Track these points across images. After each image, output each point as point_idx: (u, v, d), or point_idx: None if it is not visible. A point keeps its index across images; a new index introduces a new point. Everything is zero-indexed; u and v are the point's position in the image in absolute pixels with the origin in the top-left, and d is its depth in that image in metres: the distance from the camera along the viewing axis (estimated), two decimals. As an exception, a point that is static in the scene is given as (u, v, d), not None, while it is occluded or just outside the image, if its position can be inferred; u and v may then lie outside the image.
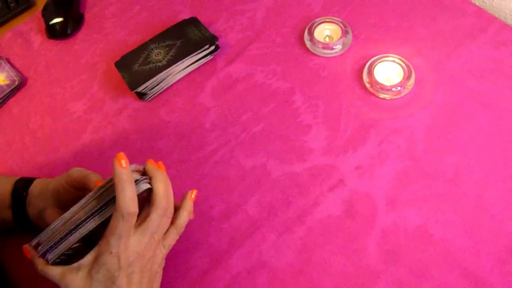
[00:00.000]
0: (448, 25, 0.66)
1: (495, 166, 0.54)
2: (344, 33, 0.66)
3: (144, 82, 0.67)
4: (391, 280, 0.49)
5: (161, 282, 0.47)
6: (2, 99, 0.74)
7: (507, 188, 0.52)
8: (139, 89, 0.67)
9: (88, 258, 0.41)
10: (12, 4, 0.87)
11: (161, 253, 0.45)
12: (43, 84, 0.76)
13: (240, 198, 0.57)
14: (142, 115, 0.68)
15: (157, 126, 0.67)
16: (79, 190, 0.50)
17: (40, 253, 0.42)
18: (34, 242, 0.43)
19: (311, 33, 0.67)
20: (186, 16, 0.74)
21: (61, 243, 0.42)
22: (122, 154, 0.41)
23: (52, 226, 0.43)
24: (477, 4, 0.70)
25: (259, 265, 0.52)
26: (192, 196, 0.49)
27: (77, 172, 0.50)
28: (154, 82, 0.67)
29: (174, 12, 0.79)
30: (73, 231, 0.42)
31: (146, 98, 0.69)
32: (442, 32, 0.66)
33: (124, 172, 0.40)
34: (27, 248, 0.43)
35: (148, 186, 0.43)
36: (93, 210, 0.42)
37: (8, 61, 0.79)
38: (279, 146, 0.60)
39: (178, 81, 0.70)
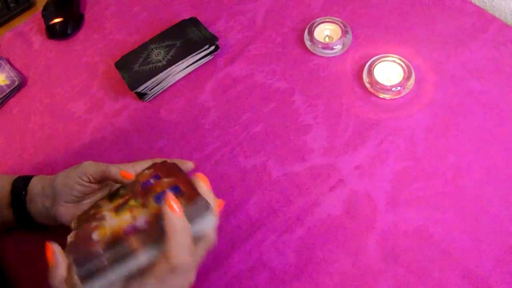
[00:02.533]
0: (448, 25, 0.66)
1: (495, 166, 0.54)
2: (344, 33, 0.66)
3: (144, 82, 0.67)
4: (391, 280, 0.49)
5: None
6: (2, 99, 0.74)
7: (507, 188, 0.52)
8: (139, 89, 0.67)
9: None
10: (12, 4, 0.87)
11: (194, 276, 0.40)
12: (43, 84, 0.76)
13: (240, 198, 0.57)
14: (142, 115, 0.68)
15: (157, 126, 0.67)
16: (96, 183, 0.49)
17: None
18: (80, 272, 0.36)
19: (311, 33, 0.67)
20: (186, 16, 0.75)
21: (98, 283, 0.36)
22: (171, 196, 0.37)
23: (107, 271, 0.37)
24: (477, 4, 0.70)
25: (259, 265, 0.52)
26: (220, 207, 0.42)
27: (92, 168, 0.47)
28: (154, 82, 0.67)
29: (174, 12, 0.79)
30: (115, 273, 0.37)
31: (146, 98, 0.69)
32: (442, 32, 0.66)
33: (178, 219, 0.36)
34: (53, 249, 0.37)
35: (211, 226, 0.38)
36: (143, 249, 0.37)
37: (8, 61, 0.79)
38: (279, 146, 0.60)
39: (178, 81, 0.70)
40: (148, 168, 0.48)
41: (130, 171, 0.49)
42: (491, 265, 0.48)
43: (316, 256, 0.52)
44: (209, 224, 0.39)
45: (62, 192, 0.49)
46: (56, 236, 0.56)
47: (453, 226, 0.51)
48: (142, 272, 0.37)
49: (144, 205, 0.41)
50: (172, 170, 0.45)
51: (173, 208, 0.36)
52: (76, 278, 0.36)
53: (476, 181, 0.53)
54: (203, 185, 0.40)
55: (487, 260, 0.48)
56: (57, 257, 0.37)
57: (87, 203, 0.51)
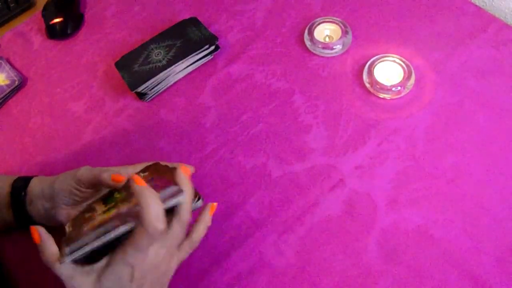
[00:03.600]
0: (448, 25, 0.66)
1: (495, 166, 0.54)
2: (344, 33, 0.66)
3: (144, 82, 0.67)
4: (391, 280, 0.49)
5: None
6: (2, 99, 0.74)
7: (507, 188, 0.52)
8: (139, 89, 0.67)
9: (101, 264, 0.40)
10: (12, 4, 0.87)
11: (175, 266, 0.44)
12: (43, 84, 0.76)
13: (240, 198, 0.57)
14: (142, 115, 0.68)
15: (157, 126, 0.67)
16: (92, 188, 0.50)
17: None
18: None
19: (311, 33, 0.67)
20: (186, 16, 0.75)
21: (85, 247, 0.40)
22: (137, 176, 0.41)
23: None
24: (477, 4, 0.70)
25: (259, 265, 0.52)
26: (213, 209, 0.46)
27: (85, 173, 0.48)
28: (154, 82, 0.67)
29: (174, 12, 0.79)
30: (101, 237, 0.40)
31: (146, 98, 0.69)
32: (442, 32, 0.66)
33: (144, 188, 0.39)
34: (38, 230, 0.41)
35: (178, 201, 0.41)
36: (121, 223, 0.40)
37: (8, 61, 0.79)
38: (279, 146, 0.60)
39: (178, 81, 0.70)
40: (143, 171, 0.49)
41: (129, 171, 0.50)
42: (491, 265, 0.48)
43: (316, 256, 0.52)
44: (179, 199, 0.41)
45: (61, 195, 0.50)
46: (57, 231, 0.56)
47: (453, 226, 0.51)
48: (124, 244, 0.39)
49: (128, 198, 0.43)
50: (166, 171, 0.46)
51: (140, 181, 0.40)
52: (64, 250, 0.39)
53: (476, 181, 0.53)
54: (180, 173, 0.43)
55: (487, 260, 0.48)
56: (42, 234, 0.40)
57: (86, 205, 0.51)
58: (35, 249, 0.59)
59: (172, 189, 0.41)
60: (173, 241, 0.42)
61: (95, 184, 0.48)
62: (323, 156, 0.58)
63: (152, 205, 0.39)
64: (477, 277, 0.48)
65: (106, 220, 0.41)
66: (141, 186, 0.39)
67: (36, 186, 0.53)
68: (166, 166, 0.48)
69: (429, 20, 0.68)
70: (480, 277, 0.47)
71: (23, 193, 0.53)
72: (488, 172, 0.54)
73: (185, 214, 0.42)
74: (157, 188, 0.41)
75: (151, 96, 0.69)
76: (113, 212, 0.42)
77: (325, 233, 0.53)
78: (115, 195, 0.46)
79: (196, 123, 0.65)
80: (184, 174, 0.43)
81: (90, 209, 0.47)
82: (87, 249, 0.40)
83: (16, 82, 0.75)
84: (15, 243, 0.59)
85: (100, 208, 0.46)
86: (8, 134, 0.71)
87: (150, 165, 0.50)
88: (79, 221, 0.47)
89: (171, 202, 0.41)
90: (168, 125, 0.66)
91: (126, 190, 0.44)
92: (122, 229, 0.40)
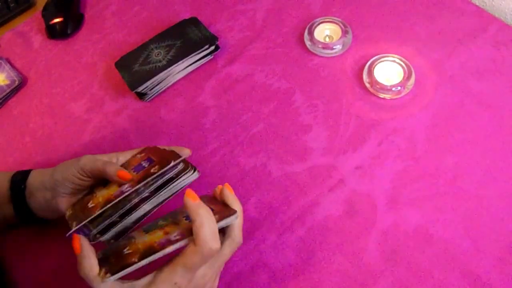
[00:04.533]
0: (448, 25, 0.66)
1: (495, 166, 0.54)
2: (344, 33, 0.66)
3: (144, 82, 0.67)
4: (391, 280, 0.49)
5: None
6: (2, 99, 0.74)
7: (507, 188, 0.52)
8: (139, 89, 0.67)
9: (144, 281, 0.38)
10: (12, 4, 0.87)
11: (217, 283, 0.43)
12: (43, 84, 0.76)
13: (240, 198, 0.56)
14: (142, 115, 0.68)
15: (157, 126, 0.67)
16: (95, 178, 0.49)
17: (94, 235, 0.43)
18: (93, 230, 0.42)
19: (311, 33, 0.67)
20: (186, 16, 0.75)
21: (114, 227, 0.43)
22: (190, 190, 0.39)
23: (114, 248, 0.41)
24: (477, 4, 0.70)
25: (259, 265, 0.52)
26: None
27: (89, 164, 0.48)
28: (154, 82, 0.67)
29: (174, 12, 0.79)
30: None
31: (146, 98, 0.69)
32: (442, 32, 0.66)
33: (200, 206, 0.38)
34: (80, 240, 0.39)
35: (233, 220, 0.41)
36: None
37: (8, 61, 0.79)
38: (279, 146, 0.60)
39: (178, 81, 0.70)
40: (139, 153, 0.50)
41: (127, 156, 0.51)
42: (491, 265, 0.48)
43: (316, 256, 0.52)
44: (233, 216, 0.41)
45: (62, 184, 0.49)
46: (57, 231, 0.56)
47: (453, 226, 0.51)
48: (171, 259, 0.38)
49: (175, 223, 0.42)
50: (164, 153, 0.48)
51: (194, 197, 0.38)
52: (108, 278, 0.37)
53: (476, 181, 0.53)
54: (228, 192, 0.43)
55: (487, 260, 0.48)
56: (83, 245, 0.38)
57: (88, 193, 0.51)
58: (35, 249, 0.59)
59: (226, 214, 0.40)
60: (222, 262, 0.41)
61: (98, 175, 0.49)
62: (323, 156, 0.58)
63: (208, 223, 0.37)
64: (477, 277, 0.48)
65: (152, 244, 0.40)
66: (196, 202, 0.38)
67: (35, 178, 0.53)
68: (164, 149, 0.49)
69: (429, 20, 0.68)
70: (480, 277, 0.47)
71: (22, 186, 0.53)
72: (488, 172, 0.54)
73: (237, 236, 0.41)
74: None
75: (151, 96, 0.69)
76: (160, 234, 0.41)
77: (325, 233, 0.53)
78: (159, 222, 0.44)
79: (196, 123, 0.65)
80: (230, 192, 0.43)
81: (91, 194, 0.49)
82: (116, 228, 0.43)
83: (16, 82, 0.75)
84: (15, 243, 0.59)
85: (100, 192, 0.48)
86: (8, 134, 0.71)
87: (146, 148, 0.51)
88: (79, 206, 0.48)
89: (224, 222, 0.40)
90: (168, 125, 0.66)
91: (172, 217, 0.44)
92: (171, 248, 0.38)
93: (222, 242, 0.39)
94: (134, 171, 0.47)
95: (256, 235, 0.54)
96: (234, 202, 0.42)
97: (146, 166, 0.47)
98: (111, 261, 0.39)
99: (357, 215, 0.53)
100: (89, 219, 0.43)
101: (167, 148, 0.50)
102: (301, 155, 0.59)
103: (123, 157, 0.51)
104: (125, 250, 0.40)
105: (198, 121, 0.65)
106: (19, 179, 0.53)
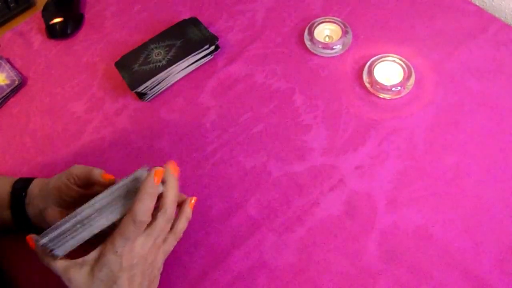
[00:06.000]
0: (448, 25, 0.66)
1: (495, 166, 0.54)
2: (344, 33, 0.66)
3: (144, 82, 0.67)
4: (391, 280, 0.49)
5: (162, 282, 0.47)
6: (2, 99, 0.74)
7: (507, 188, 0.52)
8: (139, 89, 0.67)
9: (92, 255, 0.42)
10: (12, 4, 0.87)
11: (161, 258, 0.46)
12: (43, 84, 0.76)
13: (240, 198, 0.57)
14: (142, 115, 0.68)
15: (157, 126, 0.67)
16: (81, 187, 0.51)
17: (49, 249, 0.42)
18: (43, 238, 0.43)
19: (311, 33, 0.67)
20: (186, 16, 0.75)
21: (69, 240, 0.42)
22: (158, 170, 0.44)
23: (62, 222, 0.43)
24: (477, 4, 0.70)
25: (259, 265, 0.52)
26: (192, 202, 0.50)
27: (78, 169, 0.50)
28: (154, 82, 0.67)
29: (174, 12, 0.79)
30: (84, 229, 0.43)
31: (146, 98, 0.69)
32: (442, 32, 0.66)
33: (154, 186, 0.43)
34: (33, 238, 0.43)
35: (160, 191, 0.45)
36: (105, 208, 0.43)
37: (8, 61, 0.79)
38: (279, 146, 0.60)
39: (178, 81, 0.70)
40: None
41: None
42: (491, 265, 0.48)
43: (316, 256, 0.52)
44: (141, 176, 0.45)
45: (52, 194, 0.50)
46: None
47: (453, 226, 0.51)
48: (112, 235, 0.42)
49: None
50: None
51: (158, 180, 0.43)
52: (42, 240, 0.42)
53: (476, 181, 0.53)
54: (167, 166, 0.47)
55: (487, 260, 0.48)
56: (35, 239, 0.43)
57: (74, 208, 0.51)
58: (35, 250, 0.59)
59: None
60: (158, 233, 0.44)
61: (86, 181, 0.50)
62: (323, 156, 0.58)
63: (147, 200, 0.42)
64: (477, 277, 0.47)
65: (91, 212, 0.43)
66: (154, 183, 0.43)
67: (35, 186, 0.54)
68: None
69: (429, 20, 0.68)
70: (480, 277, 0.47)
71: (23, 194, 0.53)
72: (488, 172, 0.54)
73: (169, 208, 0.44)
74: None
75: (151, 96, 0.69)
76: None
77: (325, 233, 0.53)
78: None
79: (196, 123, 0.65)
80: (172, 170, 0.46)
81: None
82: (72, 241, 0.42)
83: (16, 82, 0.75)
84: (15, 243, 0.59)
85: None
86: (8, 134, 0.71)
87: None
88: None
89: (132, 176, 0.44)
90: (168, 125, 0.66)
91: None
92: (105, 221, 0.43)
93: (155, 215, 0.44)
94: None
95: (256, 235, 0.54)
96: (170, 177, 0.46)
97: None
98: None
99: (357, 215, 0.53)
100: (59, 241, 0.43)
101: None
102: (301, 155, 0.59)
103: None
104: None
105: (198, 121, 0.65)
106: (21, 186, 0.54)
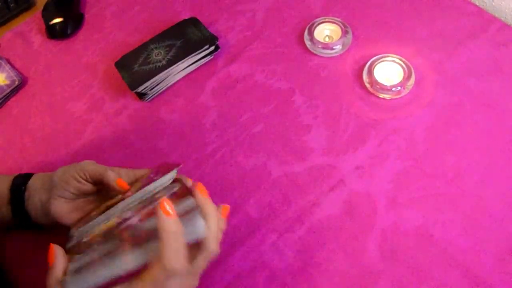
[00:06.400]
0: (448, 25, 0.66)
1: (495, 166, 0.54)
2: (344, 33, 0.66)
3: (144, 82, 0.67)
4: (391, 280, 0.49)
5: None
6: (2, 99, 0.74)
7: (507, 188, 0.52)
8: (139, 89, 0.67)
9: None
10: (12, 4, 0.87)
11: (196, 283, 0.41)
12: (43, 84, 0.76)
13: (240, 198, 0.57)
14: (142, 115, 0.68)
15: (157, 126, 0.67)
16: (92, 183, 0.50)
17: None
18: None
19: (311, 33, 0.67)
20: (186, 16, 0.75)
21: (87, 277, 0.37)
22: (165, 200, 0.36)
23: (79, 241, 0.39)
24: (477, 4, 0.70)
25: (259, 265, 0.52)
26: (225, 211, 0.43)
27: (91, 166, 0.49)
28: (154, 82, 0.67)
29: (174, 12, 0.79)
30: (103, 270, 0.37)
31: (146, 98, 0.69)
32: (442, 32, 0.66)
33: (171, 222, 0.36)
34: (55, 250, 0.38)
35: (201, 230, 0.38)
36: (132, 249, 0.38)
37: (8, 61, 0.79)
38: (279, 146, 0.60)
39: (178, 81, 0.70)
40: (152, 169, 0.50)
41: (130, 176, 0.50)
42: (491, 265, 0.48)
43: (316, 256, 0.52)
44: (200, 227, 0.37)
45: (59, 186, 0.50)
46: (57, 231, 0.56)
47: (453, 226, 0.51)
48: (138, 274, 0.36)
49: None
50: (171, 167, 0.46)
51: (167, 211, 0.36)
52: (67, 273, 0.37)
53: (476, 181, 0.53)
54: (198, 193, 0.40)
55: (487, 260, 0.48)
56: (57, 257, 0.38)
57: (81, 201, 0.51)
58: (35, 250, 0.59)
59: (189, 202, 0.38)
60: (197, 272, 0.39)
61: (97, 180, 0.49)
62: (323, 156, 0.58)
63: (175, 244, 0.35)
64: (477, 277, 0.48)
65: (111, 227, 0.39)
66: (166, 218, 0.36)
67: (36, 180, 0.53)
68: (171, 163, 0.48)
69: (429, 20, 0.68)
70: (480, 277, 0.47)
71: (23, 188, 0.53)
72: (488, 172, 0.54)
73: (211, 247, 0.38)
74: (174, 196, 0.39)
75: (151, 96, 0.69)
76: (114, 220, 0.41)
77: (325, 233, 0.53)
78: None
79: (196, 123, 0.65)
80: (203, 194, 0.39)
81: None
82: (91, 281, 0.37)
83: (16, 82, 0.75)
84: (15, 243, 0.59)
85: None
86: (8, 134, 0.71)
87: (158, 164, 0.50)
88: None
89: (191, 238, 0.37)
90: (168, 125, 0.66)
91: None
92: (132, 257, 0.37)
93: (195, 255, 0.38)
94: (141, 183, 0.48)
95: (256, 235, 0.54)
96: (205, 206, 0.39)
97: (152, 177, 0.47)
98: (74, 248, 0.40)
99: (357, 215, 0.53)
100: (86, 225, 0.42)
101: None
102: (301, 155, 0.59)
103: (125, 173, 0.51)
104: (84, 236, 0.41)
105: (198, 121, 0.65)
106: (20, 182, 0.54)
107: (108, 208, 0.44)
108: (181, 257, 0.36)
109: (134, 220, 0.39)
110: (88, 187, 0.50)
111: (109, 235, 0.39)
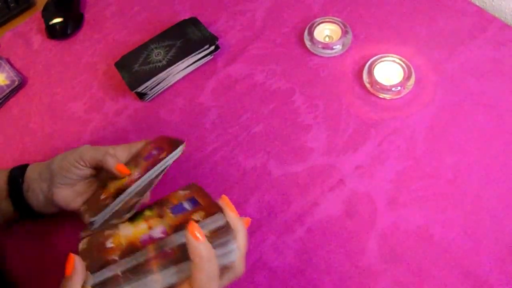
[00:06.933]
0: (448, 25, 0.66)
1: (495, 166, 0.54)
2: (344, 33, 0.66)
3: (144, 82, 0.67)
4: (391, 280, 0.49)
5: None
6: (2, 99, 0.74)
7: (507, 188, 0.52)
8: (139, 89, 0.67)
9: None
10: (12, 4, 0.87)
11: None
12: (43, 84, 0.76)
13: (240, 198, 0.57)
14: (142, 115, 0.68)
15: (157, 126, 0.67)
16: (93, 168, 0.50)
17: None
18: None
19: (311, 33, 0.67)
20: (186, 16, 0.74)
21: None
22: (194, 225, 0.34)
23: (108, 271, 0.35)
24: (477, 4, 0.70)
25: (259, 265, 0.52)
26: (247, 224, 0.40)
27: (89, 152, 0.48)
28: (154, 82, 0.67)
29: (174, 12, 0.79)
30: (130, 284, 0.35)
31: (146, 98, 0.69)
32: (442, 32, 0.66)
33: (202, 247, 0.34)
34: (75, 260, 0.35)
35: (235, 256, 0.36)
36: (161, 269, 0.35)
37: (8, 61, 0.79)
38: (279, 146, 0.60)
39: (178, 81, 0.70)
40: (149, 143, 0.52)
41: (125, 152, 0.51)
42: (491, 265, 0.48)
43: (316, 256, 0.52)
44: (233, 254, 0.36)
45: (59, 174, 0.49)
46: (58, 231, 0.56)
47: (453, 226, 0.51)
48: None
49: (160, 216, 0.40)
50: (171, 140, 0.49)
51: (197, 237, 0.34)
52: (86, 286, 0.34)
53: (476, 181, 0.53)
54: (228, 210, 0.38)
55: (487, 260, 0.48)
56: (77, 269, 0.35)
57: (84, 184, 0.51)
58: (35, 249, 0.59)
59: (219, 219, 0.36)
60: None
61: (96, 165, 0.49)
62: (323, 156, 0.58)
63: (208, 267, 0.34)
64: (477, 277, 0.48)
65: (135, 242, 0.37)
66: (198, 242, 0.34)
67: (33, 171, 0.53)
68: (169, 137, 0.51)
69: (429, 20, 0.68)
70: (480, 277, 0.47)
71: (20, 180, 0.53)
72: (488, 172, 0.54)
73: (240, 268, 0.38)
74: (200, 209, 0.37)
75: (151, 96, 0.69)
76: (142, 225, 0.40)
77: (325, 233, 0.53)
78: (145, 212, 0.42)
79: (196, 123, 0.65)
80: (231, 210, 0.38)
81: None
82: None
83: (16, 82, 0.75)
84: (15, 243, 0.59)
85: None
86: (8, 134, 0.71)
87: (155, 138, 0.52)
88: (94, 201, 0.47)
89: (223, 262, 0.36)
90: (168, 125, 0.66)
91: (158, 208, 0.42)
92: (159, 277, 0.35)
93: (223, 276, 0.37)
94: (144, 160, 0.48)
95: (256, 235, 0.54)
96: (238, 226, 0.37)
97: (155, 153, 0.48)
98: (93, 255, 0.37)
99: (357, 215, 0.53)
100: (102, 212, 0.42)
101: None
102: (301, 155, 0.59)
103: (120, 150, 0.51)
104: (107, 242, 0.38)
105: (198, 121, 0.65)
106: (17, 174, 0.53)
107: (118, 191, 0.44)
108: (214, 281, 0.35)
109: (158, 233, 0.37)
110: (88, 171, 0.50)
111: (132, 247, 0.37)
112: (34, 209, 0.53)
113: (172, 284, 0.35)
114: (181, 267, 0.35)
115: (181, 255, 0.35)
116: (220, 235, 0.36)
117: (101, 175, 0.52)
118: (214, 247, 0.35)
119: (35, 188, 0.52)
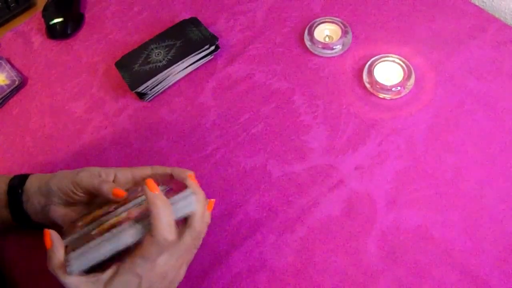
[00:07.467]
0: (448, 25, 0.66)
1: (495, 166, 0.54)
2: (344, 33, 0.66)
3: (144, 82, 0.67)
4: (391, 280, 0.49)
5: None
6: (2, 99, 0.74)
7: (507, 188, 0.52)
8: (139, 89, 0.67)
9: (107, 274, 0.39)
10: (12, 4, 0.87)
11: (184, 270, 0.44)
12: (43, 84, 0.76)
13: (240, 198, 0.57)
14: (142, 115, 0.68)
15: (157, 126, 0.67)
16: (87, 194, 0.50)
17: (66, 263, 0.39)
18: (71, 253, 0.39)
19: (311, 33, 0.67)
20: (186, 16, 0.75)
21: (88, 256, 0.39)
22: (151, 180, 0.40)
23: (82, 233, 0.41)
24: (477, 4, 0.70)
25: (259, 265, 0.52)
26: (211, 205, 0.45)
27: (85, 179, 0.48)
28: (154, 82, 0.67)
29: (174, 12, 0.79)
30: (105, 245, 0.39)
31: (146, 98, 0.69)
32: (442, 32, 0.66)
33: (158, 196, 0.39)
34: (51, 234, 0.40)
35: (192, 205, 0.41)
36: (131, 224, 0.39)
37: (8, 61, 0.79)
38: (279, 146, 0.60)
39: (178, 81, 0.70)
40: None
41: (127, 175, 0.50)
42: (491, 265, 0.48)
43: (316, 256, 0.52)
44: (191, 206, 0.41)
45: (56, 194, 0.49)
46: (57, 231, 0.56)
47: (453, 226, 0.51)
48: (131, 252, 0.39)
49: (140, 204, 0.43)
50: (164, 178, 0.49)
51: (153, 187, 0.39)
52: (69, 255, 0.38)
53: (476, 181, 0.53)
54: (188, 179, 0.44)
55: (487, 260, 0.48)
56: (54, 240, 0.39)
57: (81, 205, 0.51)
58: (35, 249, 0.59)
59: (182, 193, 0.41)
60: (184, 251, 0.41)
61: (93, 193, 0.48)
62: (323, 156, 0.58)
63: (163, 215, 0.38)
64: (477, 277, 0.48)
65: (114, 224, 0.40)
66: (154, 194, 0.39)
67: (32, 183, 0.53)
68: (167, 173, 0.50)
69: (429, 20, 0.68)
70: (480, 277, 0.47)
71: (20, 191, 0.53)
72: (488, 172, 0.54)
73: (198, 225, 0.41)
74: (169, 193, 0.41)
75: (151, 96, 0.69)
76: (123, 215, 0.42)
77: (325, 233, 0.53)
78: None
79: (196, 123, 0.65)
80: (193, 181, 0.44)
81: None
82: (92, 257, 0.38)
83: (16, 82, 0.75)
84: (15, 243, 0.59)
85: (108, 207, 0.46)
86: (8, 134, 0.71)
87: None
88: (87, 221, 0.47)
89: (183, 212, 0.40)
90: (168, 125, 0.66)
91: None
92: (128, 234, 0.39)
93: (182, 232, 0.41)
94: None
95: (256, 235, 0.54)
96: (195, 189, 0.43)
97: (138, 190, 0.47)
98: (69, 232, 0.42)
99: (357, 215, 0.53)
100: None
101: (168, 169, 0.49)
102: (301, 155, 0.59)
103: (122, 174, 0.50)
104: (92, 232, 0.41)
105: (198, 121, 0.65)
106: (17, 184, 0.53)
107: (93, 219, 0.44)
108: (170, 230, 0.38)
109: (135, 213, 0.41)
110: (85, 197, 0.50)
111: (102, 216, 0.42)
112: (33, 219, 0.53)
113: (140, 238, 0.39)
114: (145, 223, 0.39)
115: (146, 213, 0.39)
116: (180, 197, 0.41)
117: (98, 198, 0.51)
118: (175, 202, 0.40)
119: (34, 201, 0.52)
